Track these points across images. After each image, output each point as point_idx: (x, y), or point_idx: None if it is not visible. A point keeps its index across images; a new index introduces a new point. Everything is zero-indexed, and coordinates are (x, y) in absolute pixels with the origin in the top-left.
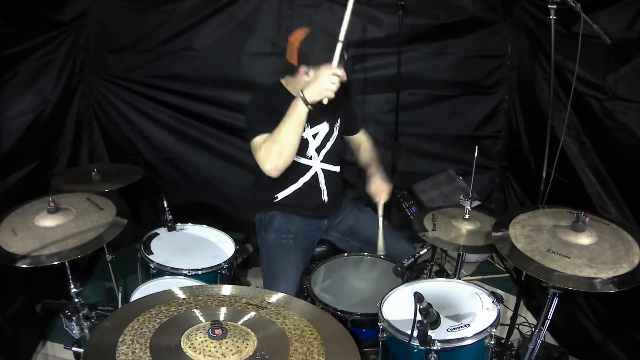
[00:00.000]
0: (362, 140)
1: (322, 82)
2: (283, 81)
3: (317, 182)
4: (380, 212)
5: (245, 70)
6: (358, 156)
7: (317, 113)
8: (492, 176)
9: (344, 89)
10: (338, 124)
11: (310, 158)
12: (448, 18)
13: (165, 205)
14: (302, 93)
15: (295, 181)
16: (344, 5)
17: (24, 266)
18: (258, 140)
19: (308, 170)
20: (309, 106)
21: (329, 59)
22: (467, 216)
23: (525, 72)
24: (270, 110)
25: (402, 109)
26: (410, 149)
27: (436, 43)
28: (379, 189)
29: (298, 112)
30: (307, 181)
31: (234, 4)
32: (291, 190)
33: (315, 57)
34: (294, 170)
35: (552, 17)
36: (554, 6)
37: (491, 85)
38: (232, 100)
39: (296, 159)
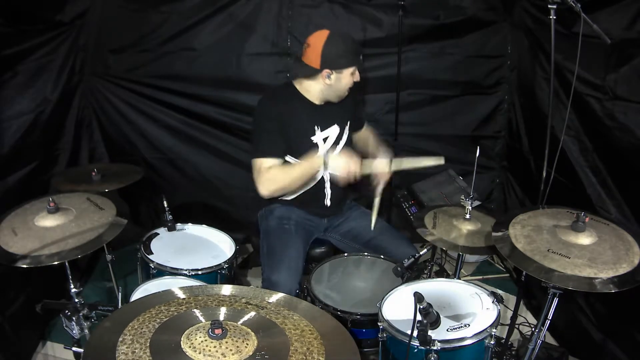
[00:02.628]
0: (367, 134)
1: (348, 167)
2: (296, 83)
3: (323, 187)
4: (378, 195)
5: (245, 70)
6: (364, 148)
7: (328, 117)
8: (492, 176)
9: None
10: (348, 125)
11: None
12: (448, 18)
13: (165, 205)
14: (326, 160)
15: (301, 187)
16: (344, 6)
17: (24, 266)
18: (262, 162)
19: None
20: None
21: (352, 64)
22: (467, 216)
23: (525, 72)
24: (280, 121)
25: (402, 109)
26: (410, 149)
27: (436, 43)
28: (380, 173)
29: (314, 169)
30: (313, 185)
31: (234, 4)
32: (295, 195)
33: (339, 61)
34: None
35: (552, 17)
36: (554, 6)
37: (491, 85)
38: (232, 100)
39: None
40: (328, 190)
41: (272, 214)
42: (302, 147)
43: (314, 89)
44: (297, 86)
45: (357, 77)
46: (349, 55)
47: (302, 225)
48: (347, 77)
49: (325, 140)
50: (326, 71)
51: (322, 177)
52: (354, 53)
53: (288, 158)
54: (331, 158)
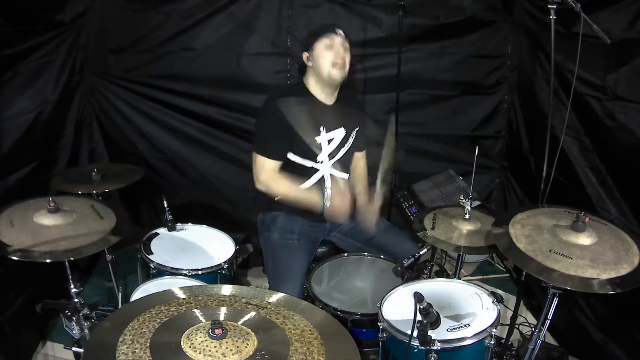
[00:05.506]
0: (361, 165)
1: (341, 215)
2: (305, 81)
3: (323, 186)
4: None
5: (245, 70)
6: (352, 178)
7: (335, 118)
8: (492, 176)
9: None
10: (355, 133)
11: (321, 163)
12: (448, 18)
13: (165, 205)
14: (326, 207)
15: (300, 184)
16: (344, 6)
17: (14, 258)
18: (265, 161)
19: (315, 173)
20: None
21: (317, 34)
22: (467, 216)
23: (525, 72)
24: (284, 120)
25: (402, 109)
26: (410, 149)
27: (436, 43)
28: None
29: (312, 205)
30: (313, 185)
31: (234, 4)
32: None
33: (309, 39)
34: (301, 173)
35: (552, 17)
36: (554, 6)
37: (491, 85)
38: (232, 100)
39: (306, 164)
40: (328, 191)
41: (275, 224)
42: (306, 147)
43: (315, 84)
44: (307, 86)
45: (337, 53)
46: (316, 30)
47: (306, 235)
48: (322, 52)
49: (329, 141)
50: (305, 54)
51: (322, 177)
52: (322, 26)
53: (291, 156)
54: (330, 209)
